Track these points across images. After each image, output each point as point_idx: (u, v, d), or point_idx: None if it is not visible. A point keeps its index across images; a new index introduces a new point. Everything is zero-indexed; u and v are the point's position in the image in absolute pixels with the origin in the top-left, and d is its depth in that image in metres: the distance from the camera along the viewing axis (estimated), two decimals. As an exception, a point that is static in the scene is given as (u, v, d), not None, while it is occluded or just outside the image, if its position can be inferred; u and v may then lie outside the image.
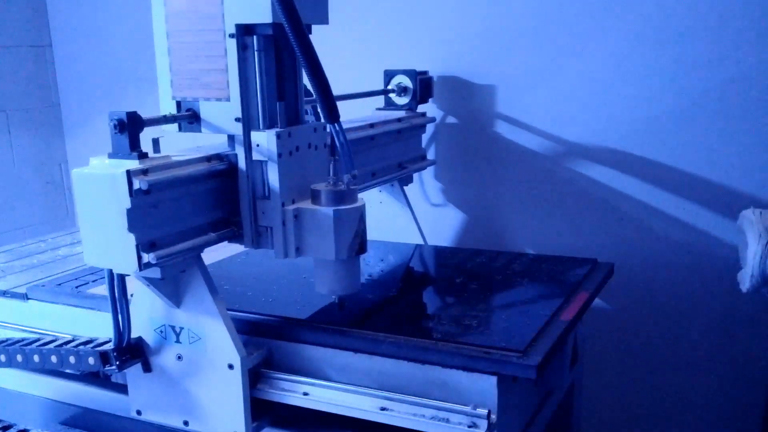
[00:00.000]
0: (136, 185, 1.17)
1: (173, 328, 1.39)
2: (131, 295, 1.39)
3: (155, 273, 1.27)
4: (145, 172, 1.19)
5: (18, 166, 2.77)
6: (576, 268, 1.78)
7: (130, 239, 1.19)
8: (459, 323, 1.42)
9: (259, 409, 1.41)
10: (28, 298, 1.71)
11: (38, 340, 1.51)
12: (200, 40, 1.31)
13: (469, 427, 1.25)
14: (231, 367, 1.35)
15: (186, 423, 1.43)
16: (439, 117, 2.22)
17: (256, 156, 1.33)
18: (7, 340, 1.54)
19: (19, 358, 1.49)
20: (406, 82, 2.09)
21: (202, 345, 1.37)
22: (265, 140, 1.31)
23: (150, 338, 1.42)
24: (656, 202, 2.02)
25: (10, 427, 1.77)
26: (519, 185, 2.16)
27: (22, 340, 1.52)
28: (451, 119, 2.22)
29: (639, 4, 1.93)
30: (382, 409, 1.32)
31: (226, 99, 1.32)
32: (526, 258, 1.88)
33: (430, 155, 2.24)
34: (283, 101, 1.34)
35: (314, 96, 1.30)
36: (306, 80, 1.34)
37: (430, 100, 2.18)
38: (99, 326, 1.61)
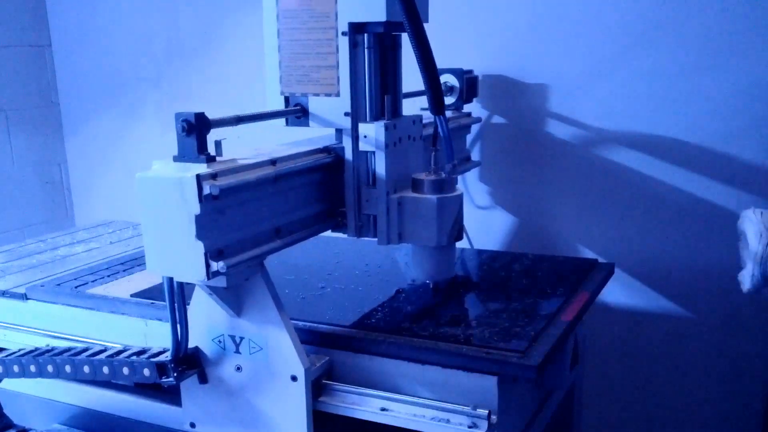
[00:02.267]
0: (206, 190, 1.10)
1: (233, 338, 1.34)
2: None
3: (220, 282, 1.21)
4: (214, 176, 1.12)
5: (17, 166, 2.77)
6: (576, 268, 1.78)
7: (198, 247, 1.12)
8: (459, 323, 1.42)
9: (318, 421, 1.36)
10: (28, 299, 1.71)
11: (87, 349, 1.42)
12: (311, 38, 1.37)
13: (470, 427, 1.25)
14: (294, 378, 1.30)
15: None
16: (484, 117, 2.16)
17: (363, 147, 1.39)
18: (53, 349, 1.46)
19: (67, 368, 1.40)
20: (452, 81, 2.02)
21: (264, 355, 1.32)
22: (373, 131, 1.37)
23: (207, 348, 1.37)
24: (656, 202, 2.02)
25: (9, 427, 1.76)
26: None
27: (70, 349, 1.44)
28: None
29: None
30: (382, 409, 1.31)
31: (336, 94, 1.38)
32: (527, 258, 1.88)
33: (475, 156, 2.18)
34: (388, 95, 1.41)
35: (424, 88, 1.36)
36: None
37: (474, 99, 2.11)
38: (99, 327, 1.62)
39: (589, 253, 2.09)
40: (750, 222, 1.57)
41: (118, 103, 2.74)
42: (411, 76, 1.63)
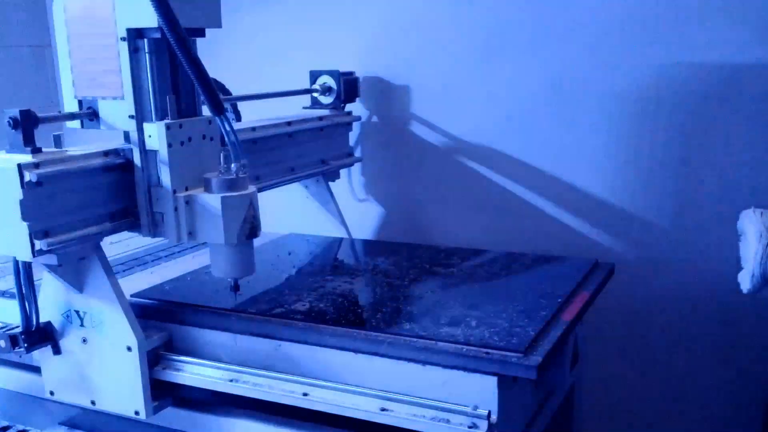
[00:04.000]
0: (27, 177, 1.24)
1: (78, 312, 1.47)
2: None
3: (51, 260, 1.35)
4: (37, 165, 1.27)
5: (17, 166, 2.77)
6: (576, 268, 1.78)
7: (24, 228, 1.26)
8: (459, 323, 1.42)
9: (162, 389, 1.50)
10: (28, 299, 1.71)
11: None
12: (96, 44, 1.41)
13: (470, 427, 1.24)
14: (129, 349, 1.44)
15: (93, 402, 1.52)
16: (365, 116, 2.31)
17: (149, 146, 1.42)
18: None
19: None
20: (330, 82, 2.19)
21: (103, 328, 1.45)
22: (155, 131, 1.40)
23: (57, 322, 1.50)
24: (656, 202, 2.02)
25: (9, 427, 1.76)
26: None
27: None
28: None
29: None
30: (382, 409, 1.31)
31: (121, 98, 1.41)
32: (527, 258, 1.88)
33: (360, 153, 2.34)
34: (171, 96, 1.41)
35: (199, 92, 1.39)
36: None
37: (357, 99, 2.26)
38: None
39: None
40: (750, 222, 1.58)
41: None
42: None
